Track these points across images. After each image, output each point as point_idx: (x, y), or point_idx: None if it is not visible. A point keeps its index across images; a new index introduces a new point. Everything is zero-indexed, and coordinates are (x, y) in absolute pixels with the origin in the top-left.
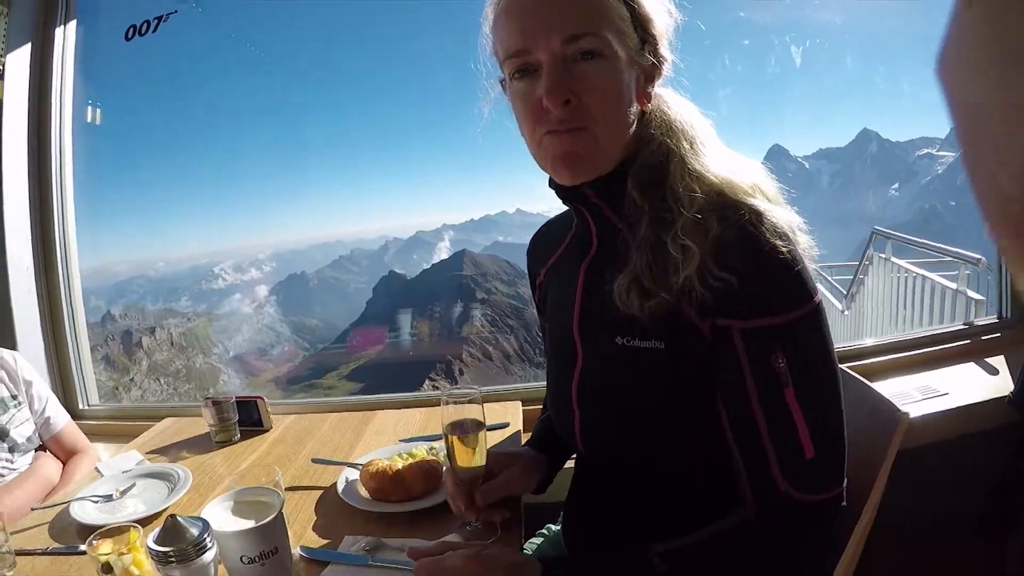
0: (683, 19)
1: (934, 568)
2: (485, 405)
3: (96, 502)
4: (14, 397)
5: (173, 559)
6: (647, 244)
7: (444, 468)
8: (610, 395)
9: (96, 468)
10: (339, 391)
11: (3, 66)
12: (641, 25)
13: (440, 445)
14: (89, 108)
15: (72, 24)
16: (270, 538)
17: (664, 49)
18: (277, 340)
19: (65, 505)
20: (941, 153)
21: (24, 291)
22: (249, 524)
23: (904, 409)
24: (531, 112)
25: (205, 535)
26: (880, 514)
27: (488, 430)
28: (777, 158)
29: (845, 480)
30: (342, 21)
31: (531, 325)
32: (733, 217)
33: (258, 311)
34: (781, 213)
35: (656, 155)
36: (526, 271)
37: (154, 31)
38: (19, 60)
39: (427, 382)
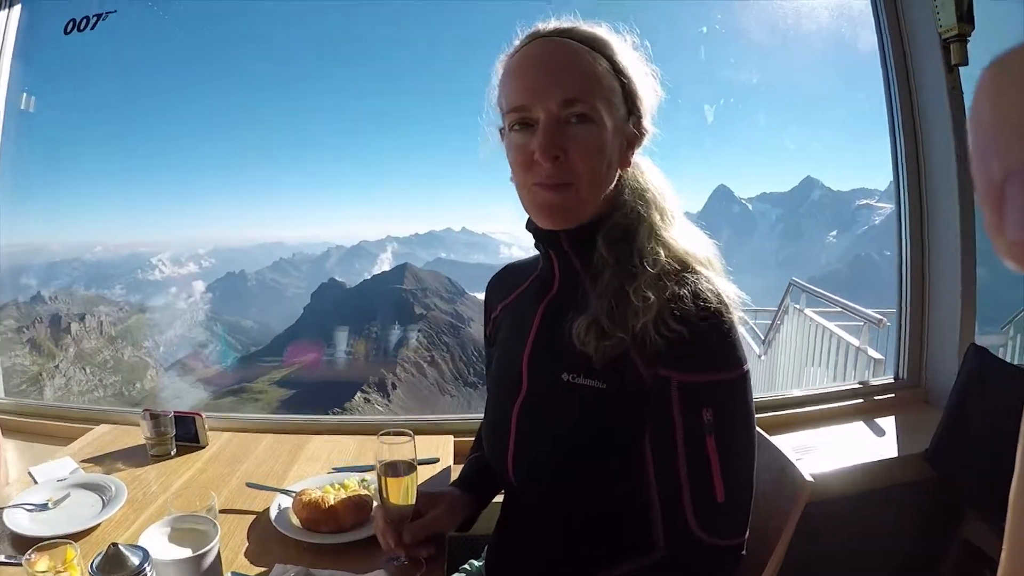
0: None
1: None
2: (417, 438)
3: (30, 511)
4: None
5: None
6: (610, 291)
7: (374, 503)
8: (547, 424)
9: (29, 473)
10: (270, 396)
11: None
12: (629, 99)
13: (371, 477)
14: (24, 96)
15: (16, 8)
16: (206, 569)
17: (647, 122)
18: (210, 339)
19: None
20: (879, 204)
21: None
22: (186, 553)
23: (808, 476)
24: (524, 162)
25: (145, 565)
26: (787, 564)
27: (419, 464)
28: (722, 199)
29: (748, 532)
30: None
31: (466, 344)
32: (691, 279)
33: (193, 307)
34: (727, 286)
35: (628, 217)
36: (464, 290)
37: (92, 28)
38: None
39: (359, 394)
